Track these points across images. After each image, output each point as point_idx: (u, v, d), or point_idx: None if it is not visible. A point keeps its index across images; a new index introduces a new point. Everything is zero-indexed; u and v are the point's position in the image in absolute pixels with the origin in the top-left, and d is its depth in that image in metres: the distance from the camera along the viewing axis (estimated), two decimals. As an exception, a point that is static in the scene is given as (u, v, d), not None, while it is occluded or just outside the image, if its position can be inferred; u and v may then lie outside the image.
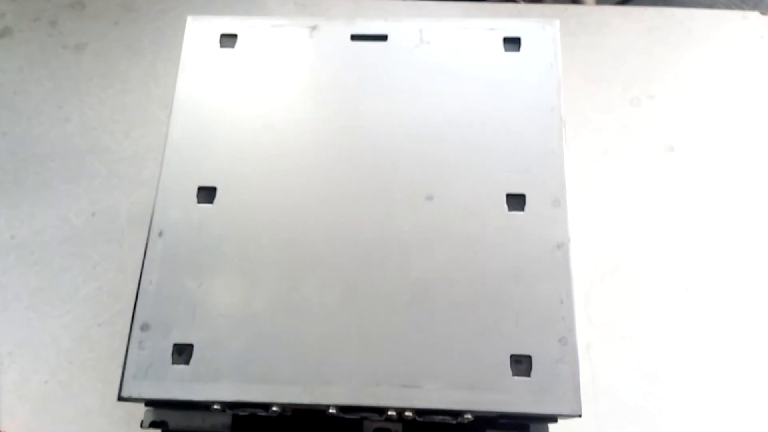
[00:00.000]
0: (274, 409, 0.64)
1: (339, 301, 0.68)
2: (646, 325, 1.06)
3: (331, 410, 0.64)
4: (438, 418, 0.66)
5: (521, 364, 0.65)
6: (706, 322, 1.06)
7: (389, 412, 0.64)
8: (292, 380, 0.65)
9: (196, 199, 0.73)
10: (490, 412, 0.63)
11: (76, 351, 1.09)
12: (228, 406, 0.66)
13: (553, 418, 0.64)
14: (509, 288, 0.67)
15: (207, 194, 0.74)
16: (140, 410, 1.05)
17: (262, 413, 0.67)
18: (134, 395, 0.66)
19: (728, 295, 1.07)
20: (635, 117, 1.20)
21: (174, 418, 0.74)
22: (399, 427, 0.73)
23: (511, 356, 0.65)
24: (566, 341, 0.65)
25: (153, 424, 0.74)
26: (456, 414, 0.64)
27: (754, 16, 1.26)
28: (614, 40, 1.28)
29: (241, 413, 0.69)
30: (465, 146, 0.74)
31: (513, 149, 0.74)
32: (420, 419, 0.65)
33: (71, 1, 1.42)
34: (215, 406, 0.65)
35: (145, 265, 0.71)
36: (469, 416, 0.63)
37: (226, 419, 0.74)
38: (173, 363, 0.67)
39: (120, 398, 0.67)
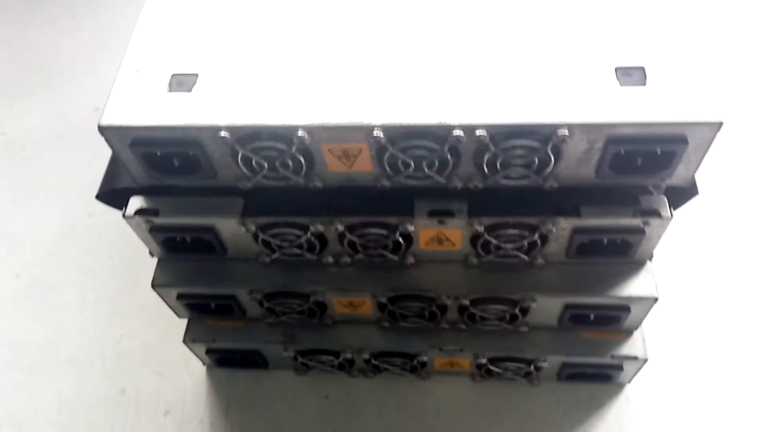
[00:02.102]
0: (300, 134, 0.50)
1: (388, 26, 0.56)
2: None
3: (376, 133, 0.49)
4: (518, 154, 0.50)
5: (631, 76, 0.50)
6: None
7: (455, 132, 0.49)
8: (325, 103, 0.51)
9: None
10: (591, 126, 0.48)
11: (57, 243, 0.95)
12: (239, 140, 0.51)
13: (681, 139, 0.48)
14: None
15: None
16: (127, 306, 0.89)
17: (281, 164, 0.52)
18: (116, 123, 0.52)
19: None
20: None
21: (168, 206, 0.59)
22: (463, 206, 0.57)
23: (617, 69, 0.51)
24: (692, 48, 0.51)
25: (140, 212, 0.59)
26: (545, 137, 0.48)
27: None
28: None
29: (254, 174, 0.54)
30: None
31: None
32: (495, 151, 0.49)
33: None
34: (222, 134, 0.50)
35: (142, 12, 0.59)
36: (564, 132, 0.48)
37: (235, 205, 0.58)
38: (170, 90, 0.53)
39: (100, 129, 0.52)
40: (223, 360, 0.78)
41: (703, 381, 0.77)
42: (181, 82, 0.54)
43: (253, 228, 0.60)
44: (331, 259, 0.64)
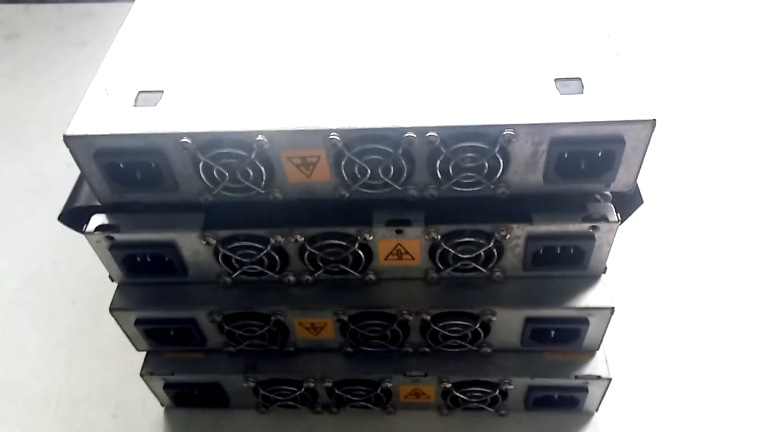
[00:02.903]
0: (259, 139, 0.51)
1: (345, 41, 0.61)
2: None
3: (333, 137, 0.51)
4: (468, 157, 0.52)
5: (569, 86, 0.54)
6: None
7: (407, 134, 0.51)
8: (283, 112, 0.54)
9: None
10: (534, 126, 0.51)
11: (21, 290, 0.93)
12: (201, 148, 0.53)
13: (618, 139, 0.51)
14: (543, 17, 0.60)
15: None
16: (86, 350, 0.87)
17: (242, 173, 0.54)
18: (81, 132, 0.53)
19: None
20: None
21: (129, 223, 0.59)
22: (420, 216, 0.58)
23: (556, 79, 0.54)
24: (623, 55, 0.55)
25: (101, 228, 0.59)
26: (493, 139, 0.51)
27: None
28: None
29: (216, 185, 0.55)
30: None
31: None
32: (447, 154, 0.52)
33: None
34: (184, 140, 0.52)
35: (119, 33, 0.63)
36: (510, 132, 0.50)
37: (196, 219, 0.59)
38: (136, 105, 0.55)
39: (65, 139, 0.53)
40: (181, 396, 0.75)
41: (671, 406, 0.76)
42: (147, 99, 0.57)
43: (213, 242, 0.60)
44: (292, 278, 0.64)
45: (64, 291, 0.94)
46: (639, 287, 0.89)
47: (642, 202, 0.60)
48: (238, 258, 0.61)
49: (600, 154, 0.54)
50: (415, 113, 0.53)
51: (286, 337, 0.69)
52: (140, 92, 0.57)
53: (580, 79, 0.55)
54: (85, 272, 0.96)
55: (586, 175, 0.55)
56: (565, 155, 0.54)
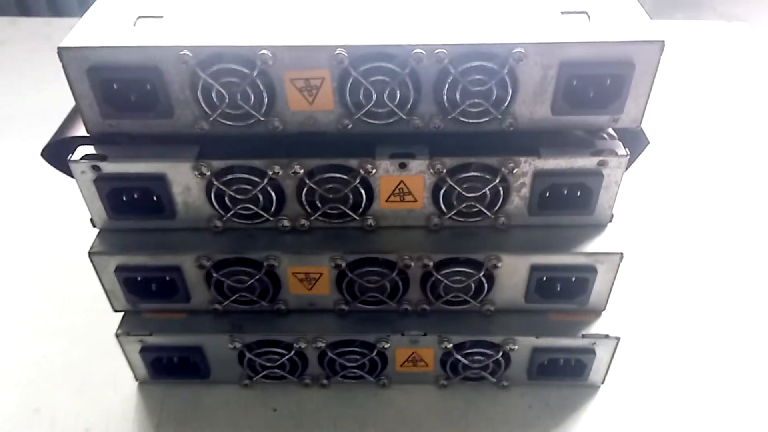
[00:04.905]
0: (263, 53, 0.51)
1: None
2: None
3: (339, 52, 0.51)
4: (477, 80, 0.52)
5: (576, 19, 0.55)
6: None
7: (416, 51, 0.51)
8: (288, 30, 0.54)
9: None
10: (544, 46, 0.52)
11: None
12: (201, 63, 0.53)
13: (628, 63, 0.51)
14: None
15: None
16: (52, 327, 0.82)
17: (242, 95, 0.53)
18: (76, 44, 0.52)
19: None
20: None
21: (117, 153, 0.57)
22: (424, 149, 0.57)
23: (563, 12, 0.55)
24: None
25: (88, 157, 0.56)
26: (502, 60, 0.51)
27: None
28: None
29: (213, 110, 0.54)
30: None
31: None
32: (455, 76, 0.51)
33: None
34: (184, 53, 0.51)
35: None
36: (520, 51, 0.51)
37: (190, 150, 0.57)
38: (135, 26, 0.55)
39: (59, 52, 0.52)
40: (158, 364, 0.71)
41: (679, 379, 0.74)
42: (147, 23, 0.56)
43: (207, 173, 0.58)
44: (287, 223, 0.63)
45: (33, 271, 0.89)
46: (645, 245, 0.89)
47: (648, 142, 0.61)
48: (232, 194, 0.60)
49: (609, 81, 0.55)
50: (424, 32, 0.54)
51: (277, 292, 0.66)
52: (139, 17, 0.57)
53: (586, 12, 0.57)
54: (53, 251, 0.92)
55: (594, 105, 0.56)
56: (574, 82, 0.55)
